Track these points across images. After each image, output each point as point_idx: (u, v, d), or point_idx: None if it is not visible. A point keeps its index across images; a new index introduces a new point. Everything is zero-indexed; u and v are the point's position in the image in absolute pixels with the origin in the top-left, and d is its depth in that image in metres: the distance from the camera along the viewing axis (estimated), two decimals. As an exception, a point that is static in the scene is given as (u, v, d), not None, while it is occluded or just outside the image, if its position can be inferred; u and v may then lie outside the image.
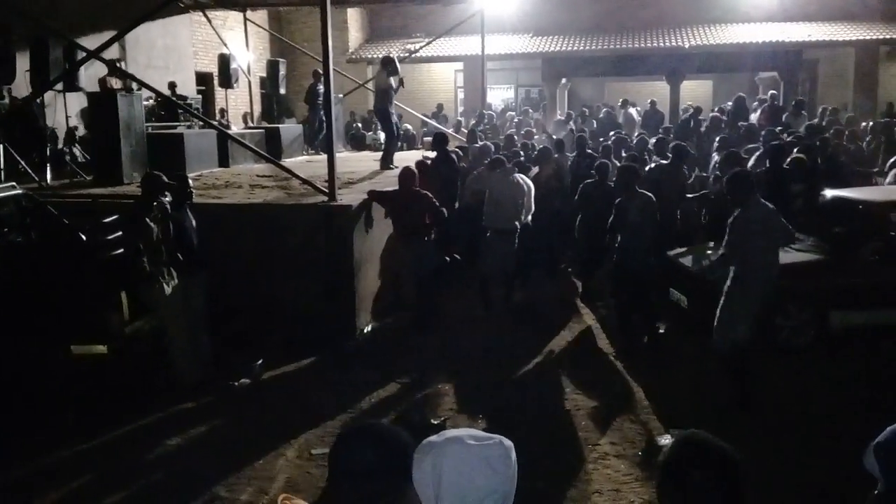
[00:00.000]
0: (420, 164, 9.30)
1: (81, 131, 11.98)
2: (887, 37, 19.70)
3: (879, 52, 20.30)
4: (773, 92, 16.23)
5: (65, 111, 11.54)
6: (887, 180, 9.39)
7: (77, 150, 11.72)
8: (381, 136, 13.10)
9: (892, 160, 9.80)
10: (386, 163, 11.06)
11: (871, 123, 12.89)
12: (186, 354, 6.45)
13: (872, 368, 6.40)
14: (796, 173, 8.39)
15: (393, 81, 11.01)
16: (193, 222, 6.67)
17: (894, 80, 21.03)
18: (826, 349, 6.83)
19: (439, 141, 10.37)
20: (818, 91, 21.52)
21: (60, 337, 6.03)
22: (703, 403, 5.96)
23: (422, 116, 17.31)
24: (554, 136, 13.25)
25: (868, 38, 19.68)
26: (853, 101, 19.75)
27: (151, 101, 11.57)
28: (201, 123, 11.23)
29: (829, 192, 8.06)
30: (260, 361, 6.82)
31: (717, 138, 10.97)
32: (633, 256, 7.12)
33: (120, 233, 6.62)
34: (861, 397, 5.83)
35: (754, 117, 14.81)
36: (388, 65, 11.06)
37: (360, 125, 18.06)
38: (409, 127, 17.08)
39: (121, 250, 6.52)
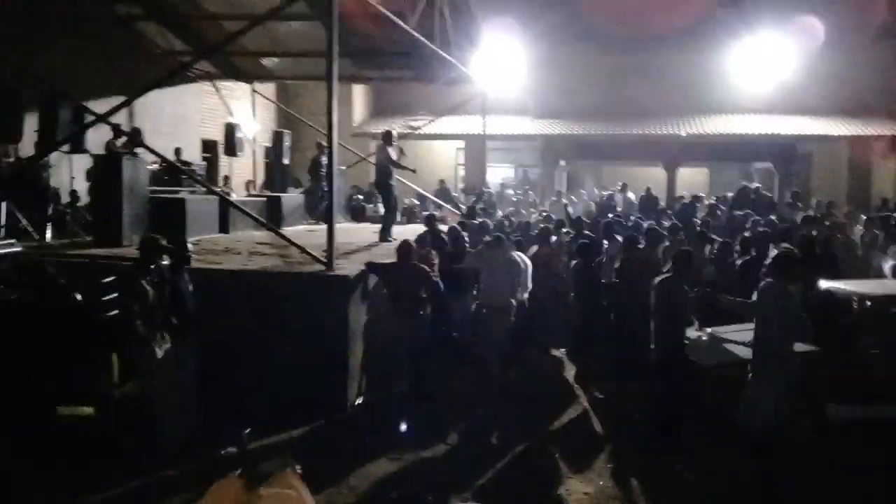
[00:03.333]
0: (421, 238, 9.35)
1: (85, 192, 12.08)
2: (882, 133, 20.17)
3: (873, 146, 20.74)
4: (758, 185, 16.56)
5: (70, 172, 11.69)
6: (887, 273, 9.46)
7: (79, 211, 11.80)
8: (381, 208, 13.22)
9: (891, 254, 9.90)
10: (384, 235, 11.13)
11: (865, 217, 13.05)
12: (174, 420, 6.35)
13: (871, 462, 6.31)
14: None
15: (393, 154, 11.19)
16: (190, 286, 6.67)
17: (889, 175, 21.40)
18: (823, 441, 6.74)
19: (427, 221, 10.59)
20: (812, 183, 21.89)
21: (49, 397, 5.95)
22: (699, 495, 5.85)
23: (424, 192, 17.52)
24: (553, 216, 13.40)
25: (862, 133, 20.16)
26: (847, 194, 20.07)
27: (156, 166, 11.71)
28: (204, 189, 11.34)
29: (824, 284, 8.10)
30: (248, 430, 6.68)
31: (699, 224, 11.12)
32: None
33: (116, 294, 6.61)
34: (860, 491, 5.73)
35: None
36: (387, 139, 11.28)
37: (360, 197, 18.24)
38: (416, 201, 17.24)
39: (115, 311, 6.48)
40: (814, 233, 10.01)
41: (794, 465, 6.05)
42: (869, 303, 7.59)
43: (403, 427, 7.09)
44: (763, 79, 20.77)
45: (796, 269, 5.86)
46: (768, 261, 6.18)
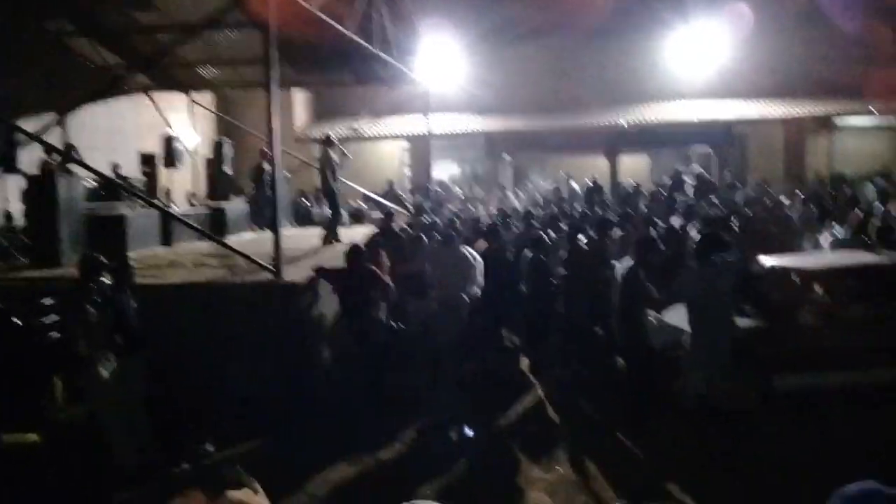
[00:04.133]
0: (372, 240, 9.31)
1: (20, 214, 11.74)
2: (813, 112, 20.80)
3: (806, 126, 21.37)
4: (700, 171, 16.94)
5: (3, 193, 11.36)
6: (825, 247, 9.76)
7: (15, 233, 11.47)
8: (327, 211, 13.17)
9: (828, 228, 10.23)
10: (331, 237, 11.09)
11: (800, 195, 13.46)
12: (125, 440, 6.21)
13: (816, 431, 6.51)
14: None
15: (335, 156, 11.16)
16: (133, 304, 6.53)
17: (822, 151, 22.11)
18: (771, 412, 6.93)
19: (386, 218, 10.53)
20: (749, 163, 22.46)
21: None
22: (654, 473, 5.97)
23: (370, 194, 17.47)
24: (498, 210, 13.50)
25: (795, 114, 20.75)
26: (784, 173, 20.65)
27: (94, 183, 11.44)
28: (144, 203, 11.10)
29: (764, 261, 8.32)
30: (202, 445, 6.60)
31: (645, 212, 11.34)
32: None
33: (56, 316, 6.44)
34: (809, 461, 5.90)
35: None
36: (327, 143, 11.26)
37: (306, 202, 18.10)
38: (363, 204, 17.19)
39: (57, 334, 6.33)
40: (750, 214, 10.27)
41: (742, 436, 6.23)
42: (808, 276, 7.82)
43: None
44: (698, 65, 21.22)
45: (716, 247, 6.05)
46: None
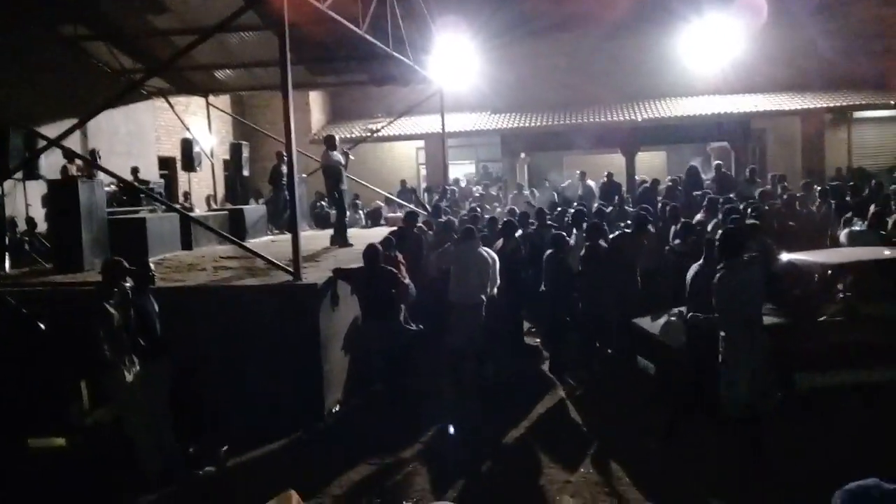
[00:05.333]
0: (387, 240, 9.32)
1: (42, 219, 11.88)
2: (831, 105, 20.60)
3: (824, 119, 21.17)
4: (719, 162, 16.77)
5: (25, 199, 11.48)
6: (842, 241, 9.66)
7: (37, 238, 11.60)
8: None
9: (843, 223, 10.12)
10: (338, 240, 11.10)
11: (818, 188, 13.31)
12: (149, 443, 6.26)
13: (840, 428, 6.45)
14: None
15: (338, 157, 11.16)
16: (156, 307, 6.59)
17: (841, 145, 21.88)
18: (794, 410, 6.88)
19: (408, 218, 10.51)
20: (767, 158, 22.28)
21: (18, 429, 5.84)
22: (679, 473, 5.95)
23: (387, 194, 17.51)
24: (516, 209, 13.46)
25: (812, 106, 20.56)
26: (802, 167, 20.47)
27: (113, 187, 11.55)
28: (164, 207, 11.21)
29: (785, 256, 8.26)
30: (225, 448, 6.66)
31: (668, 208, 11.24)
32: None
33: (80, 321, 6.50)
34: (833, 459, 5.86)
35: (707, 185, 15.27)
36: (330, 144, 11.25)
37: (324, 204, 18.15)
38: (382, 204, 17.26)
39: (81, 338, 6.38)
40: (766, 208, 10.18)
41: (770, 437, 6.18)
42: (829, 271, 7.75)
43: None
44: (713, 60, 21.12)
45: (742, 245, 5.99)
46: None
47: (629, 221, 10.88)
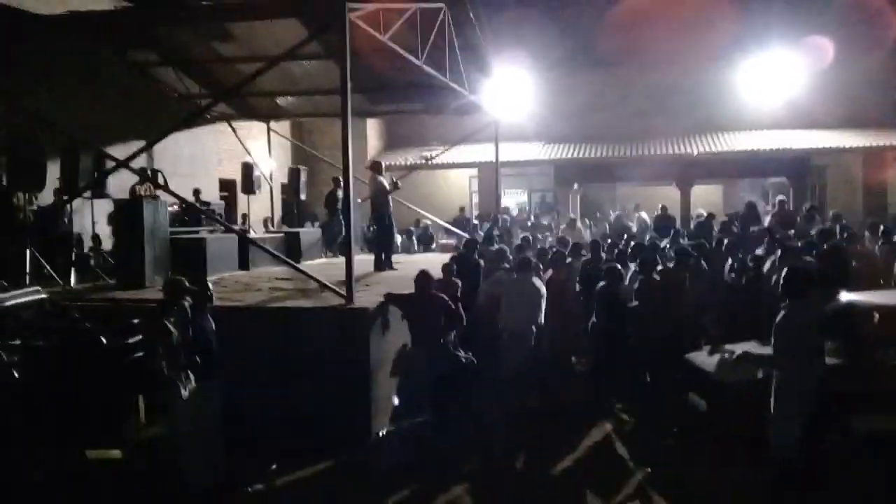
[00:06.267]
0: (448, 266, 9.38)
1: (107, 236, 12.31)
2: (894, 143, 20.08)
3: (887, 156, 20.63)
4: (782, 197, 16.43)
5: (92, 217, 11.91)
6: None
7: (102, 255, 12.01)
8: (398, 239, 13.39)
9: None
10: (381, 265, 11.27)
11: (883, 227, 12.96)
12: (200, 460, 6.39)
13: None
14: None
15: (385, 183, 11.32)
16: (213, 325, 6.75)
17: (904, 184, 21.31)
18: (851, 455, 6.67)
19: (469, 245, 10.75)
20: (828, 195, 21.79)
21: (77, 441, 6.02)
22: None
23: (440, 221, 17.67)
24: (570, 240, 13.44)
25: (875, 144, 20.08)
26: (863, 206, 19.95)
27: (176, 207, 11.92)
28: (223, 228, 11.52)
29: (844, 297, 8.05)
30: (273, 466, 6.75)
31: (725, 242, 11.06)
32: None
33: (140, 336, 6.71)
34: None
35: (766, 220, 14.98)
36: (376, 169, 11.42)
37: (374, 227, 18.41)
38: (430, 231, 17.46)
39: (140, 354, 6.58)
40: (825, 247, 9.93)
41: (824, 480, 6.00)
42: (889, 313, 7.53)
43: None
44: (773, 95, 20.83)
45: (808, 285, 5.85)
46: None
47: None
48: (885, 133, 20.39)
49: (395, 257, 12.02)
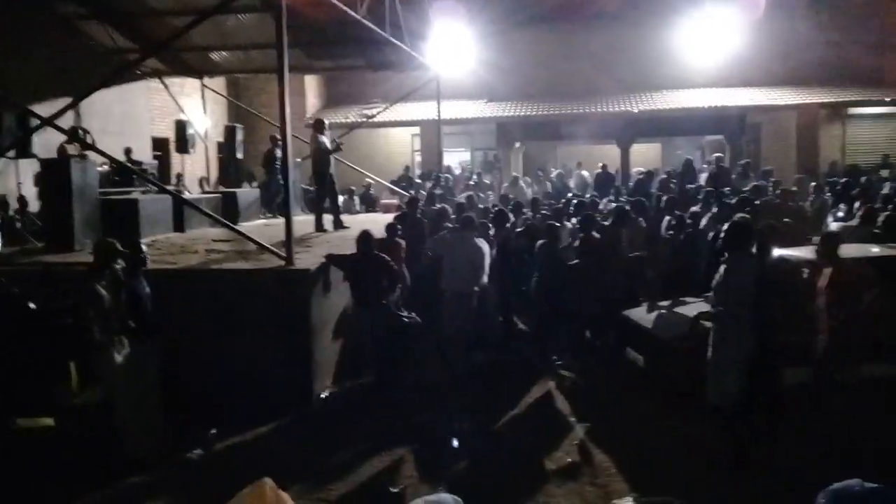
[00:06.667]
0: (391, 226, 9.30)
1: (34, 198, 11.83)
2: (826, 100, 20.62)
3: (819, 114, 21.20)
4: (719, 154, 16.78)
5: (17, 178, 11.42)
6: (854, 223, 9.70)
7: (29, 217, 11.55)
8: (339, 199, 13.21)
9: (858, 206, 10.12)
10: (335, 225, 11.15)
11: (813, 184, 13.37)
12: (138, 426, 6.27)
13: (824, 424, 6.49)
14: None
15: (326, 141, 11.11)
16: (147, 289, 6.57)
17: (835, 140, 21.95)
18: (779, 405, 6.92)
19: (410, 204, 10.63)
20: (762, 152, 22.33)
21: (6, 409, 5.83)
22: (664, 464, 5.99)
23: (386, 183, 17.51)
24: (511, 198, 13.48)
25: (808, 101, 20.59)
26: (796, 162, 20.52)
27: (106, 167, 11.49)
28: (156, 189, 11.17)
29: (776, 252, 8.26)
30: (213, 430, 6.67)
31: (664, 199, 11.24)
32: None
33: (71, 301, 6.49)
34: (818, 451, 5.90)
35: (703, 178, 15.30)
36: (318, 128, 11.19)
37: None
38: (372, 191, 17.30)
39: (71, 319, 6.37)
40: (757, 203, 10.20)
41: (756, 430, 6.22)
42: (818, 267, 7.76)
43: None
44: (710, 53, 21.10)
45: (750, 238, 5.97)
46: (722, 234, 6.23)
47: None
48: (817, 90, 20.90)
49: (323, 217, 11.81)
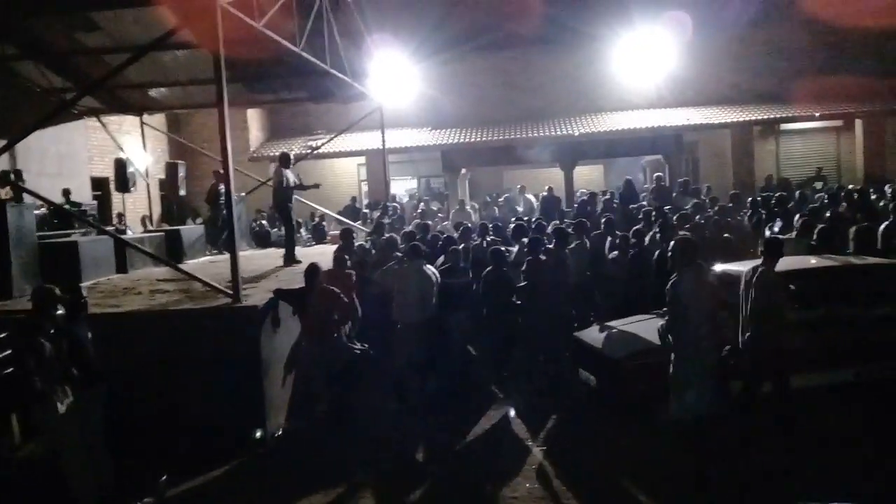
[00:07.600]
0: (339, 258, 9.23)
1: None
2: (759, 118, 21.34)
3: (753, 131, 21.91)
4: (660, 174, 17.20)
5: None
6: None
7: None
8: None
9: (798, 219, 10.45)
10: (289, 259, 11.05)
11: (749, 199, 13.79)
12: (84, 476, 6.06)
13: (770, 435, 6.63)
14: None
15: (290, 176, 11.09)
16: (89, 334, 6.40)
17: (769, 155, 22.75)
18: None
19: (345, 235, 10.53)
20: (700, 170, 22.95)
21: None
22: (621, 484, 6.04)
23: (334, 215, 17.43)
24: (456, 224, 13.54)
25: (741, 119, 21.27)
26: (733, 178, 21.13)
27: (44, 210, 11.20)
28: (96, 230, 10.91)
29: (717, 267, 8.47)
30: (164, 477, 6.49)
31: (603, 220, 11.44)
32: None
33: (9, 351, 6.28)
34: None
35: (644, 197, 15.65)
36: (284, 162, 11.18)
37: (264, 223, 17.98)
38: (323, 221, 17.20)
39: (11, 369, 6.16)
40: (702, 221, 10.47)
41: (705, 444, 6.32)
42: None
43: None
44: (646, 75, 21.74)
45: (696, 253, 6.11)
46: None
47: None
48: (750, 108, 21.61)
49: (270, 252, 11.73)
